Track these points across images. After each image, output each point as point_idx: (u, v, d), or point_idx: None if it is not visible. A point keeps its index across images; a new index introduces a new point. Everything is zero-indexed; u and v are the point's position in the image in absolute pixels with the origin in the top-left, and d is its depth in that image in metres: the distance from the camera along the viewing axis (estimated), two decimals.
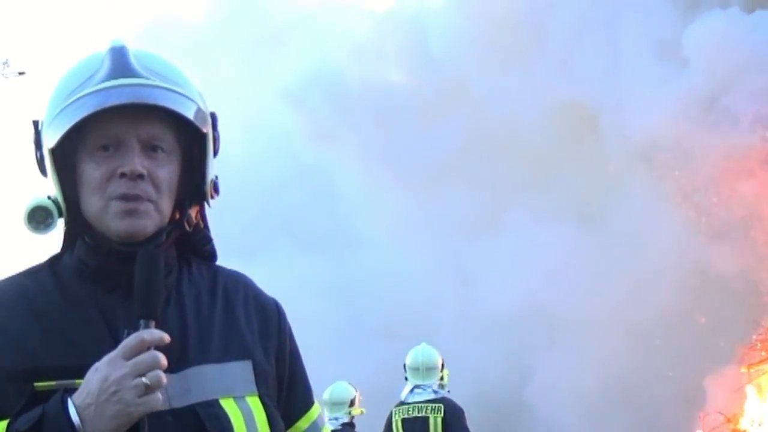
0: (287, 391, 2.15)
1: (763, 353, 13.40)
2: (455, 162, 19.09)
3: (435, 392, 8.64)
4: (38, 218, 1.98)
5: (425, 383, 8.67)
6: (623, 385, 16.27)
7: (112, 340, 1.87)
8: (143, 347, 1.80)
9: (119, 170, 1.93)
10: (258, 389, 2.02)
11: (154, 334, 1.83)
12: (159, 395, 1.80)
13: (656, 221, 15.95)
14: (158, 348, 1.83)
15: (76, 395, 1.80)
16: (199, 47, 19.65)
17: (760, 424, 12.70)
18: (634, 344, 16.17)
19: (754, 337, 13.53)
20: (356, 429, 9.27)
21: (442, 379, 8.78)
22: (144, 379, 1.78)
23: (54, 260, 2.06)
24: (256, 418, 1.99)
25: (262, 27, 22.32)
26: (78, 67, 2.01)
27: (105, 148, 1.95)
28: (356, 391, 9.38)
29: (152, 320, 1.85)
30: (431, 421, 8.45)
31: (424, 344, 8.98)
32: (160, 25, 21.71)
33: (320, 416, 2.26)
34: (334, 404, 9.11)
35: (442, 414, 8.45)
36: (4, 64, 14.60)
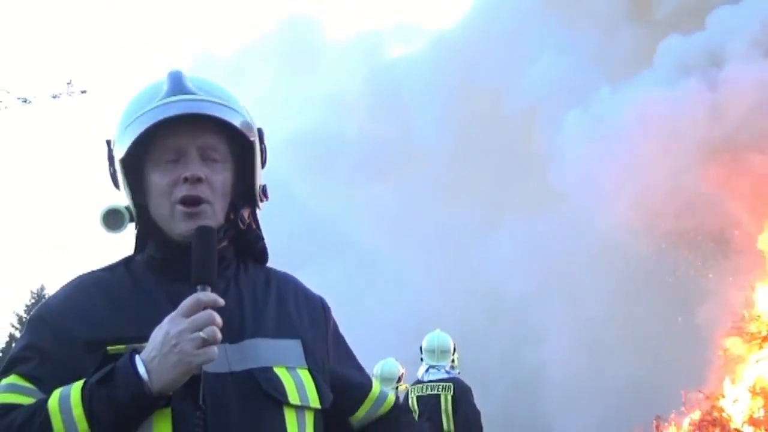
0: (343, 376, 2.26)
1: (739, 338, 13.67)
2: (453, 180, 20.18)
3: (447, 372, 8.83)
4: (111, 219, 2.13)
5: (439, 364, 8.86)
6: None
7: None
8: (200, 306, 1.90)
9: (182, 176, 2.07)
10: (308, 364, 2.13)
11: (209, 295, 1.92)
12: (215, 348, 1.89)
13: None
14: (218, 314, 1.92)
15: (143, 352, 1.91)
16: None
17: (735, 401, 13.03)
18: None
19: (729, 324, 13.78)
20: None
21: (453, 361, 8.97)
22: (201, 333, 1.88)
23: (128, 259, 2.20)
24: (307, 387, 2.09)
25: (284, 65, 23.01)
26: (143, 91, 2.17)
27: (169, 160, 2.10)
28: (403, 368, 9.53)
29: (208, 285, 1.95)
30: (442, 398, 8.66)
31: (438, 330, 9.14)
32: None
33: (382, 390, 2.39)
34: (384, 380, 9.19)
35: (452, 392, 8.66)
36: (68, 84, 15.42)
